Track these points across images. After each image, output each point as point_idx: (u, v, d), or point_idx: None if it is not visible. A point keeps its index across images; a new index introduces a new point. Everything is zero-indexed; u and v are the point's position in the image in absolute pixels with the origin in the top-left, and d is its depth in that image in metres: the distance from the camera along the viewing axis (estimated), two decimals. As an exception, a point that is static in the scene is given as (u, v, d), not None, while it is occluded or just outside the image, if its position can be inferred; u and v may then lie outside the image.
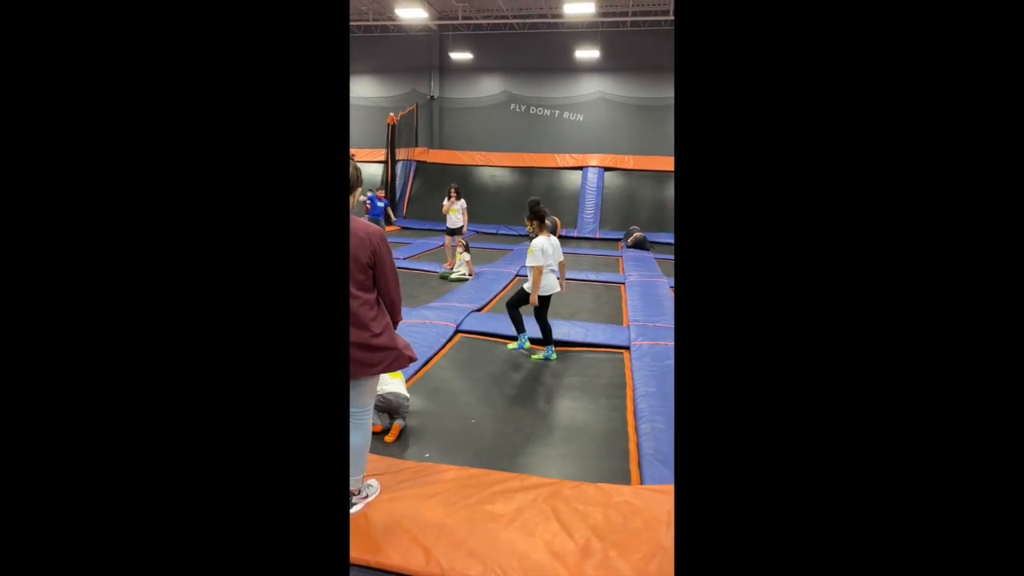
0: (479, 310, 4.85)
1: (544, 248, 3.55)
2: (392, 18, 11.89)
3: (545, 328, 3.68)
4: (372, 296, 1.75)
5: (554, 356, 3.69)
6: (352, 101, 13.50)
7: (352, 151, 1.83)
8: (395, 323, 1.86)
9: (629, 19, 11.26)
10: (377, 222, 6.97)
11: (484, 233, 10.29)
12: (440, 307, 4.68)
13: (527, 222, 3.70)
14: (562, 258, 3.74)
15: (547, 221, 3.66)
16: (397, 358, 1.80)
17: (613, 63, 11.94)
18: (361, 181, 1.78)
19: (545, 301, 3.67)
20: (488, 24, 12.10)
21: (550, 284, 3.63)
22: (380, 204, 8.01)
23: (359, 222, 1.73)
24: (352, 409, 1.84)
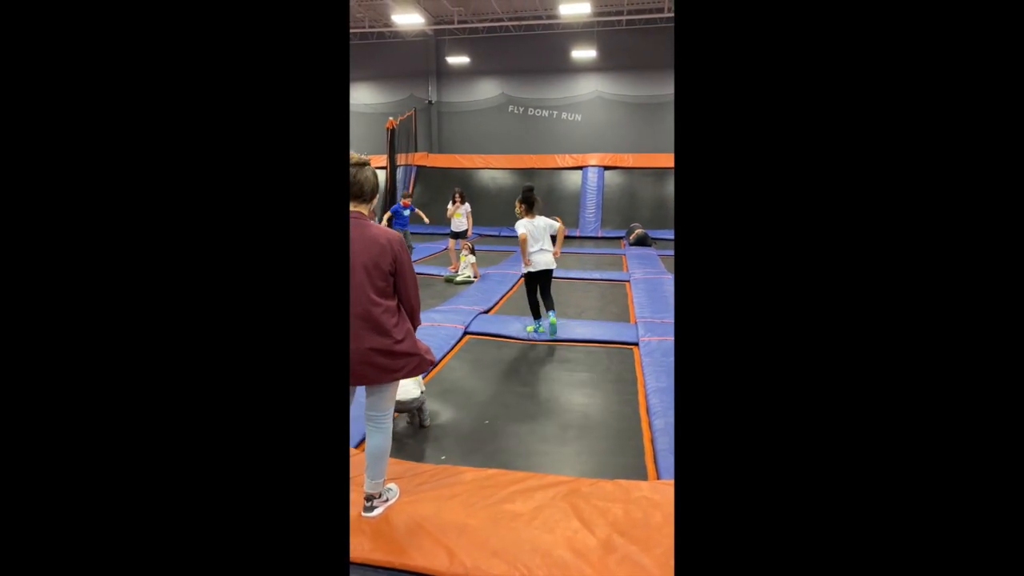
0: (486, 312, 4.86)
1: (525, 225, 3.96)
2: (388, 24, 11.94)
3: (546, 300, 4.08)
4: (393, 303, 1.77)
5: (553, 319, 4.08)
6: (350, 108, 13.53)
7: (369, 158, 1.83)
8: (414, 327, 1.87)
9: (624, 18, 11.27)
10: (404, 234, 6.11)
11: (487, 235, 10.31)
12: (448, 310, 4.70)
13: (517, 204, 4.09)
14: (559, 225, 4.12)
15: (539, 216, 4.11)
16: (419, 363, 1.82)
17: (609, 62, 11.96)
18: (379, 188, 1.79)
19: (545, 278, 4.03)
20: (484, 27, 12.13)
21: (545, 260, 3.98)
22: (406, 213, 6.68)
23: (379, 228, 1.74)
24: (373, 414, 1.85)
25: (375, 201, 1.79)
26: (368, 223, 1.74)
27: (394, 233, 1.77)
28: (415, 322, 1.86)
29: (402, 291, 1.78)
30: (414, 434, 2.66)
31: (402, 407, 2.62)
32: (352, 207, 1.75)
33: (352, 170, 1.74)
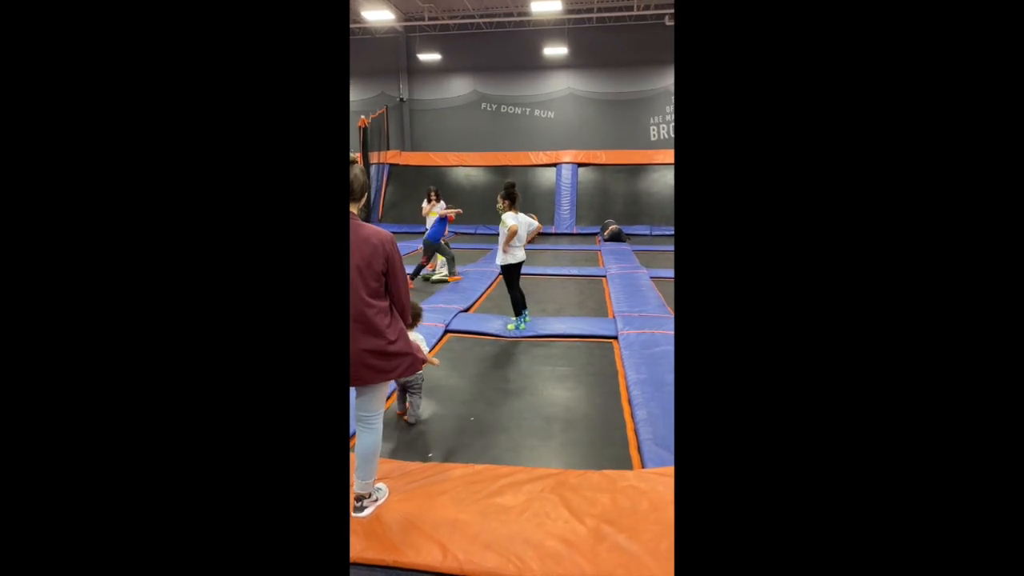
0: (466, 310, 4.87)
1: (516, 218, 4.13)
2: (358, 21, 11.76)
3: (517, 298, 4.24)
4: (385, 303, 1.76)
5: (528, 320, 4.30)
6: (320, 106, 13.26)
7: (355, 155, 1.81)
8: (406, 325, 1.87)
9: (595, 15, 11.38)
10: (438, 247, 5.85)
11: (462, 233, 10.28)
12: (428, 308, 4.68)
13: (500, 200, 4.15)
14: (536, 224, 4.41)
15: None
16: (412, 363, 1.83)
17: (581, 59, 12.05)
18: (368, 187, 1.78)
19: (517, 271, 4.16)
20: (455, 24, 12.07)
21: (521, 254, 4.14)
22: (448, 230, 6.19)
23: (371, 228, 1.73)
24: (364, 414, 1.85)
25: (364, 199, 1.78)
26: (360, 223, 1.73)
27: (385, 233, 1.76)
28: (406, 320, 1.86)
29: (394, 290, 1.78)
30: (401, 433, 2.66)
31: (402, 382, 2.63)
32: None
33: None
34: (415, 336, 2.77)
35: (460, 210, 6.43)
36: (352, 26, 12.20)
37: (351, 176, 1.72)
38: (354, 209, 1.75)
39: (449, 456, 2.43)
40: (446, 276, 6.30)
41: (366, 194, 1.79)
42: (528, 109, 12.60)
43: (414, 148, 12.97)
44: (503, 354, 3.81)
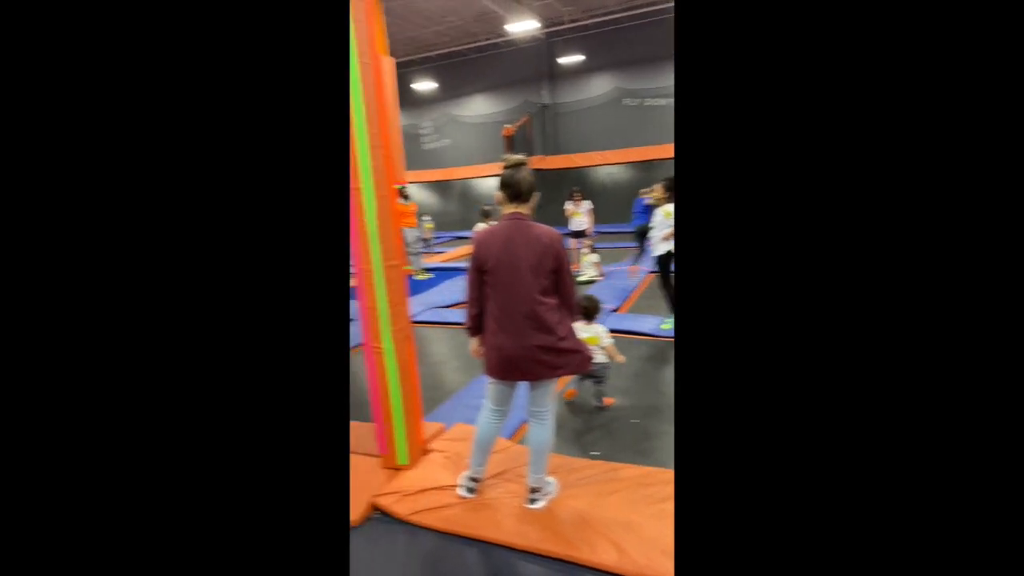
0: (615, 310, 4.79)
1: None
2: (501, 34, 12.31)
3: (672, 293, 4.03)
4: (555, 301, 1.79)
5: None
6: (466, 120, 14.18)
7: (522, 158, 1.87)
8: (573, 321, 1.89)
9: (747, -11, 10.46)
10: (645, 229, 5.40)
11: (606, 232, 10.16)
12: (578, 309, 4.71)
13: (662, 190, 4.02)
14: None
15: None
16: (582, 360, 1.84)
17: (732, 39, 11.16)
18: (535, 188, 1.83)
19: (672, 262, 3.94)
20: (594, 23, 12.01)
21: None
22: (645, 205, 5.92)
23: (541, 228, 1.78)
24: (536, 409, 1.91)
25: (534, 200, 1.84)
26: (530, 223, 1.79)
27: (555, 232, 1.80)
28: (574, 317, 1.88)
29: (562, 288, 1.81)
30: (562, 430, 2.69)
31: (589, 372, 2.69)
32: (512, 207, 1.81)
33: (509, 171, 1.80)
34: (597, 328, 2.83)
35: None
36: (496, 40, 12.81)
37: (520, 177, 1.79)
38: (524, 209, 1.81)
39: (613, 455, 2.39)
40: (593, 276, 6.27)
41: (534, 195, 1.83)
42: (673, 99, 12.03)
43: (557, 151, 13.16)
44: (660, 355, 3.67)
